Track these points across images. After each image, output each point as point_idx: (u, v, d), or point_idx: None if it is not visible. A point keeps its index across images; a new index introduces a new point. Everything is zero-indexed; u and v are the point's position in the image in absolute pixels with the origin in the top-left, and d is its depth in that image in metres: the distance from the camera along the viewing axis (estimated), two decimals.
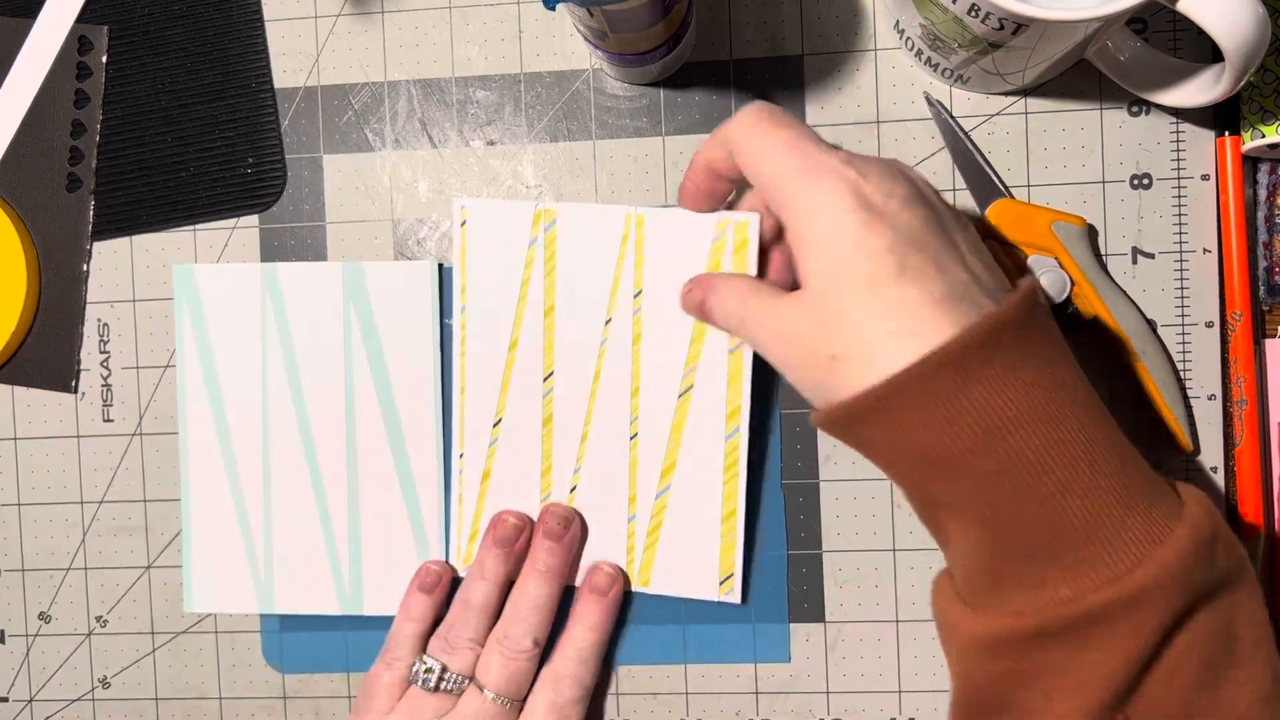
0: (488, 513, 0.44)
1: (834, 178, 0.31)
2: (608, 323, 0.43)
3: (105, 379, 0.47)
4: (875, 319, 0.30)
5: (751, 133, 0.34)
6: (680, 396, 0.43)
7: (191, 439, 0.46)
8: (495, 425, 0.44)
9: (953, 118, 0.43)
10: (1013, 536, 0.30)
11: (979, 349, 0.29)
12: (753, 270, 0.40)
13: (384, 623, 0.46)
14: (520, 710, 0.42)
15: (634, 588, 0.44)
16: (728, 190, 0.39)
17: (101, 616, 0.47)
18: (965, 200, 0.43)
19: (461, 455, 0.44)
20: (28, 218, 0.47)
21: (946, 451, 0.30)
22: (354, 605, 0.45)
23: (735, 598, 0.43)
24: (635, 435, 0.43)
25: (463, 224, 0.44)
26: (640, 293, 0.43)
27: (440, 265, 0.45)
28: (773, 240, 0.40)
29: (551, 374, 0.43)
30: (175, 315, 0.46)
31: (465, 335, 0.44)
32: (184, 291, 0.46)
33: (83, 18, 0.47)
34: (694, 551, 0.43)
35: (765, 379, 0.44)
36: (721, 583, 0.43)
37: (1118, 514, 0.29)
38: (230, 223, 0.46)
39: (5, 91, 0.47)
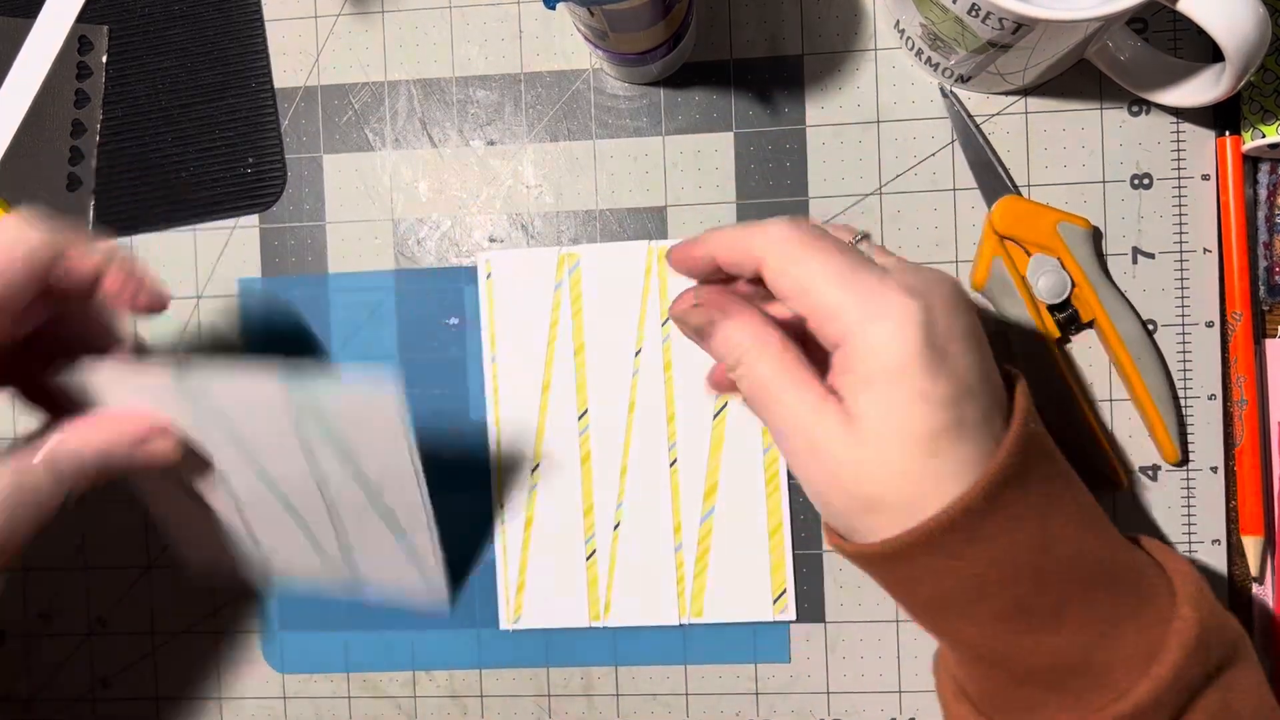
0: (533, 562, 0.44)
1: (900, 311, 0.29)
2: (638, 354, 0.44)
3: None
4: (928, 478, 0.29)
5: (793, 253, 0.31)
6: (715, 417, 0.43)
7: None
8: (534, 471, 0.44)
9: (967, 112, 0.43)
10: (1012, 666, 0.31)
11: (998, 496, 0.29)
12: None
13: (384, 622, 0.46)
14: None
15: (687, 619, 0.44)
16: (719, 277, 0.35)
17: (101, 616, 0.47)
18: (973, 199, 0.43)
19: (502, 506, 0.44)
20: None
21: (951, 597, 0.30)
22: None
23: (790, 614, 0.43)
24: (674, 461, 0.43)
25: (488, 276, 0.44)
26: (667, 320, 0.43)
27: (463, 269, 0.45)
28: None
29: (586, 412, 0.44)
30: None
31: (498, 385, 0.44)
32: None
33: (83, 18, 0.47)
34: (745, 572, 0.43)
35: None
36: (775, 601, 0.43)
37: (1111, 633, 0.30)
38: (230, 223, 0.46)
39: (5, 91, 0.47)
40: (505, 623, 0.45)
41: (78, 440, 0.36)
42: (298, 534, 0.42)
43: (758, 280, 0.32)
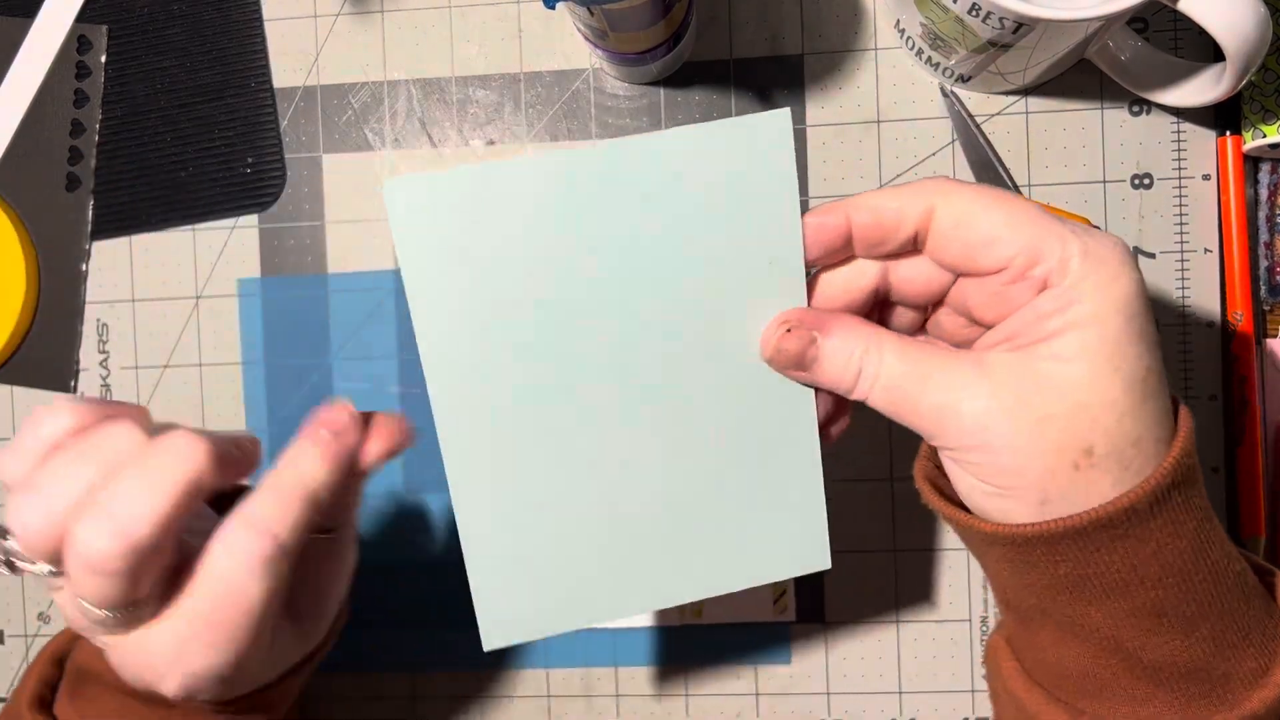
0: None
1: (1120, 250, 0.27)
2: None
3: (104, 379, 0.47)
4: (1140, 422, 0.27)
5: (976, 199, 0.28)
6: None
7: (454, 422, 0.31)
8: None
9: (967, 112, 0.43)
10: (1128, 657, 0.29)
11: (1168, 497, 0.27)
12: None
13: (384, 621, 0.46)
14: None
15: (688, 619, 0.44)
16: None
17: None
18: None
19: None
20: (27, 217, 0.47)
21: (1089, 584, 0.28)
22: (709, 583, 0.33)
23: (790, 615, 0.43)
24: None
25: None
26: None
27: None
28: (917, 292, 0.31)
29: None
30: (408, 245, 0.30)
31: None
32: (416, 212, 0.30)
33: (82, 17, 0.47)
34: None
35: None
36: (775, 601, 0.43)
37: (1239, 645, 0.29)
38: (230, 222, 0.46)
39: (4, 91, 0.47)
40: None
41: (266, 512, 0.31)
42: (640, 474, 0.32)
43: (893, 255, 0.30)
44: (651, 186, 0.30)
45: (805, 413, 0.32)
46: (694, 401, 0.31)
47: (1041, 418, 0.27)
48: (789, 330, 0.30)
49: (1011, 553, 0.29)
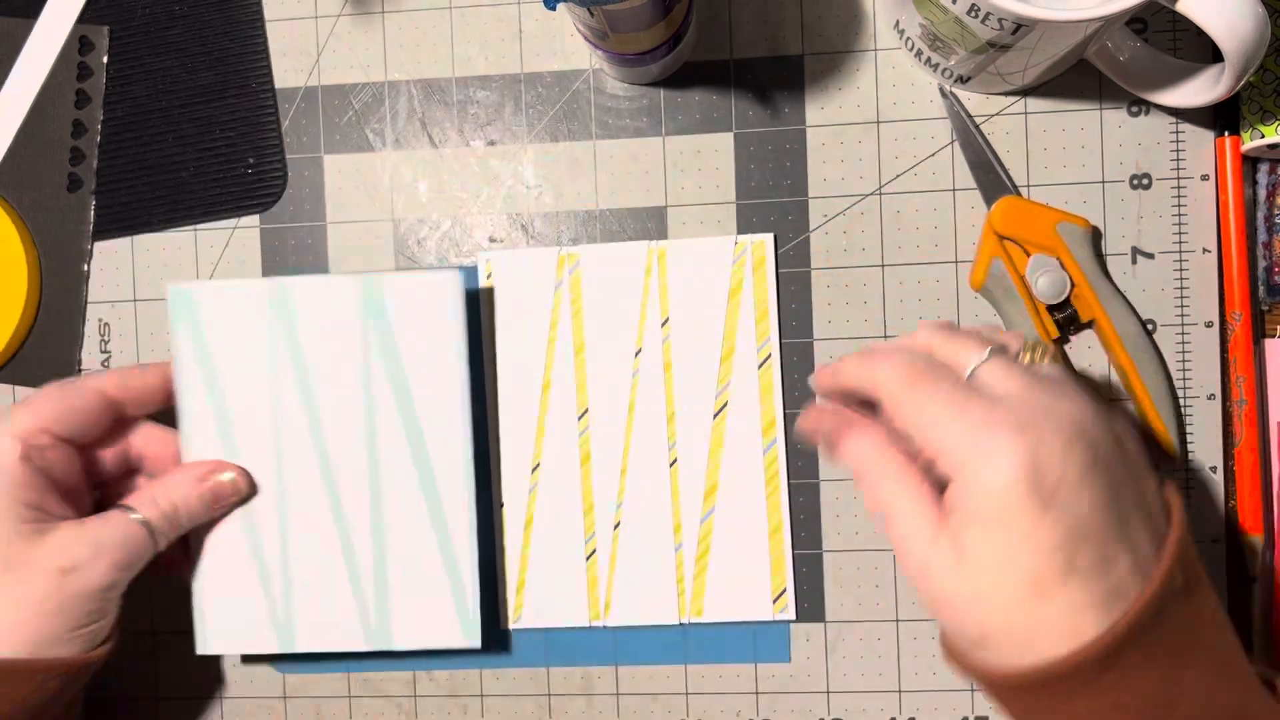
0: (533, 561, 0.44)
1: (1007, 448, 0.29)
2: (638, 354, 0.44)
3: None
4: (1036, 622, 0.29)
5: (905, 391, 0.32)
6: (715, 416, 0.43)
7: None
8: (534, 471, 0.44)
9: (966, 112, 0.43)
10: None
11: (1118, 655, 0.29)
12: (772, 290, 0.43)
13: None
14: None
15: (687, 618, 0.44)
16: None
17: None
18: (973, 199, 0.43)
19: (503, 505, 0.44)
20: (28, 218, 0.47)
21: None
22: (383, 640, 0.42)
23: (790, 614, 0.44)
24: (675, 461, 0.43)
25: (488, 276, 0.44)
26: (667, 320, 0.44)
27: (462, 269, 0.45)
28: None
29: (586, 411, 0.44)
30: (173, 337, 0.41)
31: (498, 385, 0.44)
32: (182, 312, 0.41)
33: (83, 18, 0.47)
34: (745, 572, 0.43)
35: None
36: (775, 600, 0.43)
37: None
38: (231, 222, 0.46)
39: (6, 91, 0.47)
40: (506, 622, 0.45)
41: (166, 497, 0.40)
42: (333, 534, 0.42)
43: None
44: (366, 321, 0.41)
45: (470, 516, 0.42)
46: (379, 504, 0.42)
47: (945, 593, 0.30)
48: (830, 413, 0.36)
49: (984, 688, 0.32)
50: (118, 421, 0.41)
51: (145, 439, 0.42)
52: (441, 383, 0.41)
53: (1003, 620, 0.29)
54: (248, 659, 0.47)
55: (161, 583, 0.46)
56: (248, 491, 0.42)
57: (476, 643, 0.42)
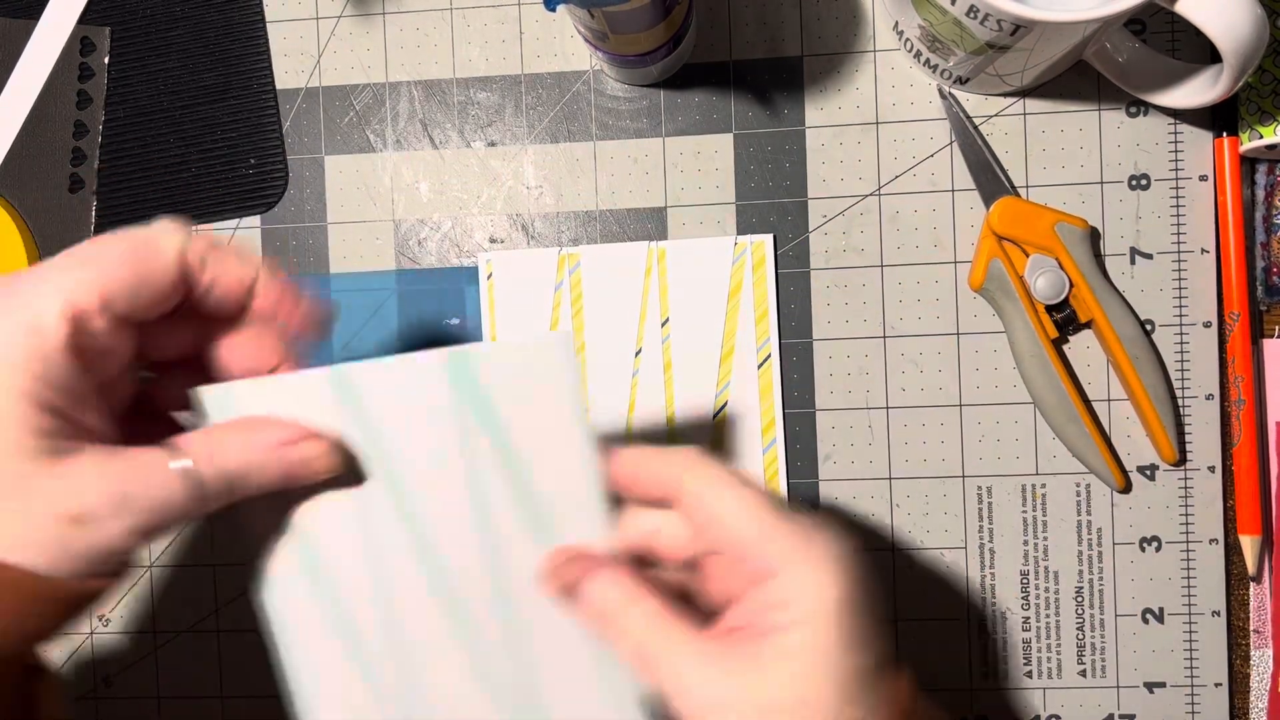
0: None
1: (836, 552, 0.29)
2: (638, 354, 0.44)
3: None
4: (868, 705, 0.29)
5: (715, 480, 0.30)
6: (715, 416, 0.43)
7: (290, 624, 0.33)
8: None
9: (965, 113, 0.43)
10: None
11: None
12: (772, 290, 0.42)
13: None
14: None
15: None
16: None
17: (104, 615, 0.47)
18: (972, 199, 0.43)
19: None
20: (30, 218, 0.47)
21: None
22: None
23: None
24: None
25: (489, 276, 0.44)
26: (667, 320, 0.44)
27: (463, 269, 0.45)
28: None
29: (586, 411, 0.42)
30: None
31: None
32: (222, 411, 0.31)
33: (85, 19, 0.47)
34: None
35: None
36: None
37: None
38: (232, 223, 0.46)
39: (8, 93, 0.47)
40: None
41: (223, 446, 0.30)
42: (465, 661, 0.33)
43: (654, 502, 0.31)
44: (459, 396, 0.31)
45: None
46: (522, 600, 0.33)
47: (764, 709, 0.28)
48: (569, 560, 0.31)
49: None
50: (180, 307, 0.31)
51: (213, 337, 0.32)
52: (563, 462, 0.32)
53: None
54: None
55: (162, 581, 0.46)
56: (340, 471, 0.31)
57: None
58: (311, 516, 0.32)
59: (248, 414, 0.30)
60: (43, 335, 0.27)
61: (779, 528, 0.29)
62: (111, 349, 0.29)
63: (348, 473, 0.31)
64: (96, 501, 0.27)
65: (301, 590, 0.32)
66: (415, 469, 0.32)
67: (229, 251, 0.31)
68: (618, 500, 0.33)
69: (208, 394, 0.31)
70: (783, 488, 0.44)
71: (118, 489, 0.27)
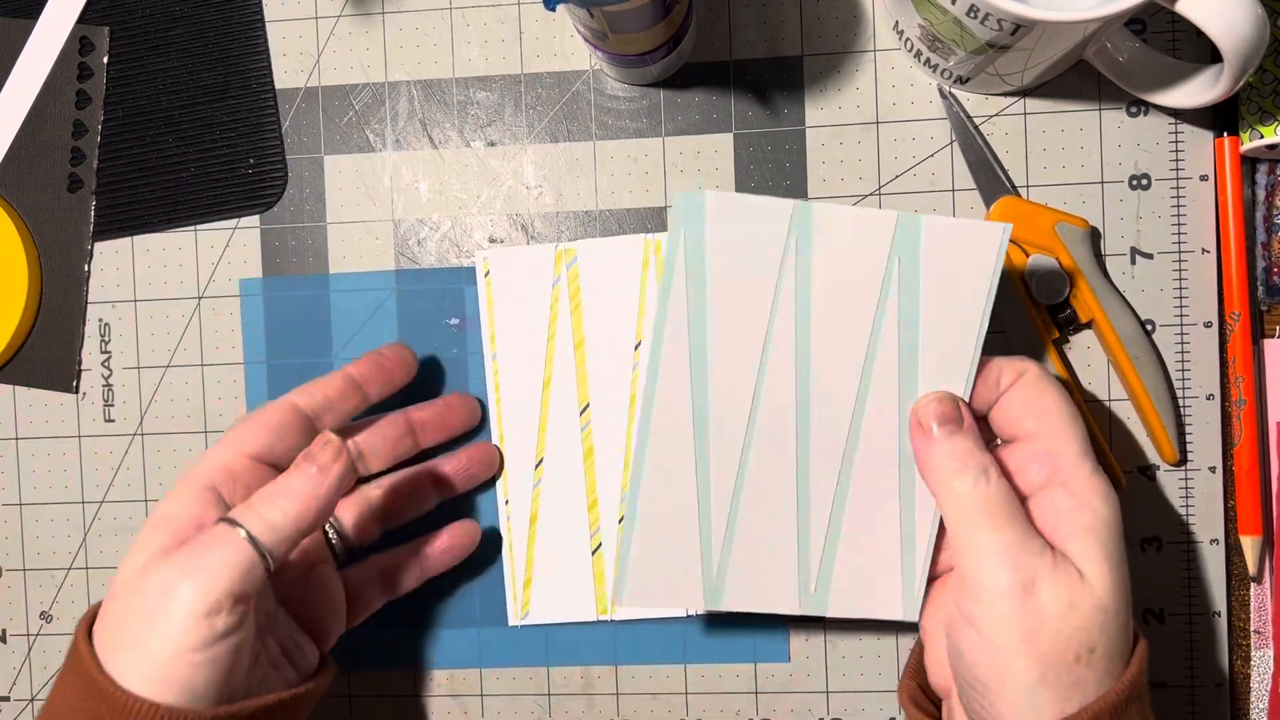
0: (539, 559, 0.44)
1: (1110, 485, 0.34)
2: (637, 347, 0.43)
3: (106, 379, 0.47)
4: (1128, 638, 0.33)
5: (1044, 380, 0.35)
6: None
7: (662, 405, 0.37)
8: (537, 466, 0.44)
9: (965, 112, 0.43)
10: None
11: (1144, 686, 0.33)
12: None
13: (383, 621, 0.46)
14: None
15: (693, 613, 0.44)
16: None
17: None
18: (972, 199, 0.43)
19: (507, 502, 0.44)
20: (29, 218, 0.47)
21: None
22: (818, 605, 0.38)
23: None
24: None
25: (486, 274, 0.44)
26: None
27: (461, 269, 0.45)
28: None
29: (588, 406, 0.44)
30: (668, 244, 0.36)
31: (499, 382, 0.44)
32: (687, 219, 0.35)
33: (84, 19, 0.47)
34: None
35: None
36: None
37: None
38: (231, 223, 0.46)
39: (7, 92, 0.47)
40: (513, 618, 0.45)
41: (278, 514, 0.34)
42: (792, 484, 0.37)
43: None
44: (895, 251, 0.36)
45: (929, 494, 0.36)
46: (851, 457, 0.37)
47: (1068, 609, 0.31)
48: (941, 401, 0.35)
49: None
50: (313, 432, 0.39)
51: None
52: (954, 342, 0.36)
53: (1114, 630, 0.32)
54: None
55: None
56: (366, 454, 0.41)
57: (914, 617, 0.38)
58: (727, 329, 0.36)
59: (717, 221, 0.35)
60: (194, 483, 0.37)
61: (1081, 444, 0.34)
62: (259, 479, 0.37)
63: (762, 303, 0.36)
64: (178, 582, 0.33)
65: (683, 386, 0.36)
66: (829, 309, 0.36)
67: (321, 382, 0.40)
68: None
69: (686, 196, 0.35)
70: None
71: (188, 565, 0.33)
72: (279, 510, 0.34)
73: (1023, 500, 0.34)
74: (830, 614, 0.38)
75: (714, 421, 0.36)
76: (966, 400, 0.36)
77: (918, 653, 0.38)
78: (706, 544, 0.37)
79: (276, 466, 0.38)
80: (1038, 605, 0.31)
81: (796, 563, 0.37)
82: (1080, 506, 0.33)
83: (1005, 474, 0.34)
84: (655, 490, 0.37)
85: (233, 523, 0.34)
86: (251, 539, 0.33)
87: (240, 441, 0.37)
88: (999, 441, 0.37)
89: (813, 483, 0.37)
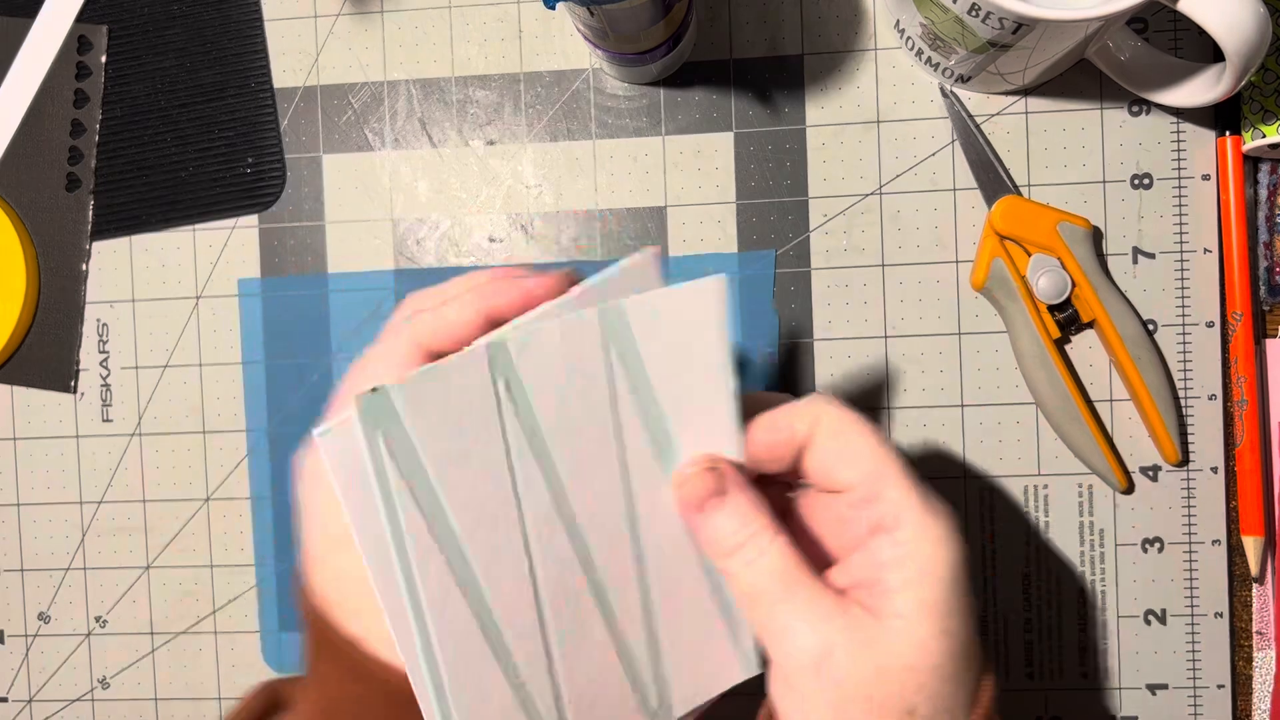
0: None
1: (950, 518, 0.29)
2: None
3: (104, 379, 0.47)
4: (959, 690, 0.29)
5: (850, 423, 0.30)
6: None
7: (437, 618, 0.31)
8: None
9: (966, 111, 0.43)
10: None
11: None
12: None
13: None
14: None
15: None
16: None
17: (101, 617, 0.47)
18: (973, 199, 0.43)
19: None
20: (27, 217, 0.47)
21: None
22: (665, 716, 0.35)
23: None
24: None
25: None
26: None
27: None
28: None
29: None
30: (370, 455, 0.30)
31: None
32: (382, 419, 0.30)
33: (82, 17, 0.47)
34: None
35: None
36: None
37: None
38: (230, 222, 0.46)
39: (4, 91, 0.47)
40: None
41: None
42: (601, 626, 0.33)
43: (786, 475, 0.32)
44: (610, 349, 0.32)
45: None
46: (642, 560, 0.33)
47: (861, 671, 0.28)
48: (709, 469, 0.30)
49: None
50: None
51: None
52: (705, 407, 0.33)
53: (937, 686, 0.28)
54: None
55: (160, 582, 0.45)
56: None
57: (755, 670, 0.35)
58: (457, 471, 0.32)
59: (411, 409, 0.31)
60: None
61: (907, 481, 0.29)
62: None
63: (494, 438, 0.32)
64: None
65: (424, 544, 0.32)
66: (560, 424, 0.32)
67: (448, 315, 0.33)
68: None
69: (366, 401, 0.30)
70: None
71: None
72: None
73: (849, 554, 0.31)
74: (680, 716, 0.35)
75: (498, 609, 0.32)
76: (736, 457, 0.32)
77: None
78: (521, 697, 0.33)
79: None
80: (838, 675, 0.28)
81: (632, 690, 0.34)
82: (904, 558, 0.29)
83: (820, 529, 0.31)
84: (462, 685, 0.32)
85: None
86: None
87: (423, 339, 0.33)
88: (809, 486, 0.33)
89: (616, 605, 0.33)
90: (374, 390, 0.30)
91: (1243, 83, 0.35)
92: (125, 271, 0.47)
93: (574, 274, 0.33)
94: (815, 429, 0.30)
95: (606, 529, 0.33)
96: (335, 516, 0.31)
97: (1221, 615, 0.42)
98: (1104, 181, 0.43)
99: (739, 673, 0.35)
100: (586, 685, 0.34)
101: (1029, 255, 0.42)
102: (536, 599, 0.33)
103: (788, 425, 0.31)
